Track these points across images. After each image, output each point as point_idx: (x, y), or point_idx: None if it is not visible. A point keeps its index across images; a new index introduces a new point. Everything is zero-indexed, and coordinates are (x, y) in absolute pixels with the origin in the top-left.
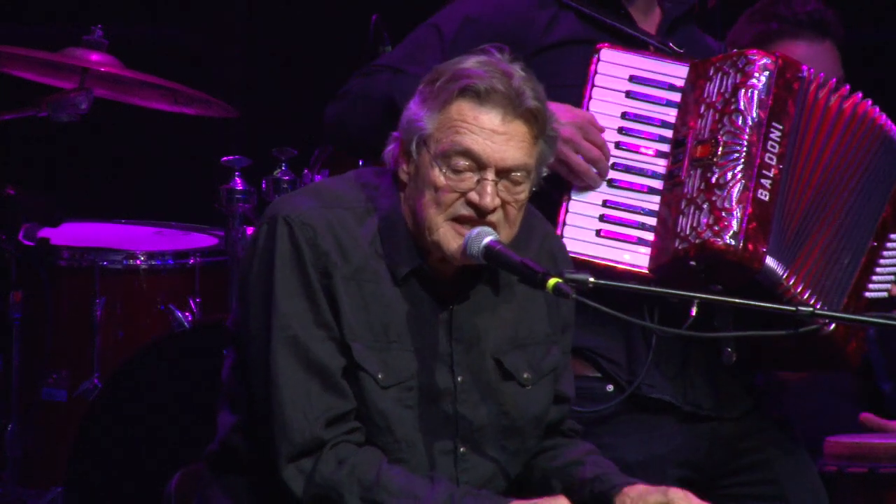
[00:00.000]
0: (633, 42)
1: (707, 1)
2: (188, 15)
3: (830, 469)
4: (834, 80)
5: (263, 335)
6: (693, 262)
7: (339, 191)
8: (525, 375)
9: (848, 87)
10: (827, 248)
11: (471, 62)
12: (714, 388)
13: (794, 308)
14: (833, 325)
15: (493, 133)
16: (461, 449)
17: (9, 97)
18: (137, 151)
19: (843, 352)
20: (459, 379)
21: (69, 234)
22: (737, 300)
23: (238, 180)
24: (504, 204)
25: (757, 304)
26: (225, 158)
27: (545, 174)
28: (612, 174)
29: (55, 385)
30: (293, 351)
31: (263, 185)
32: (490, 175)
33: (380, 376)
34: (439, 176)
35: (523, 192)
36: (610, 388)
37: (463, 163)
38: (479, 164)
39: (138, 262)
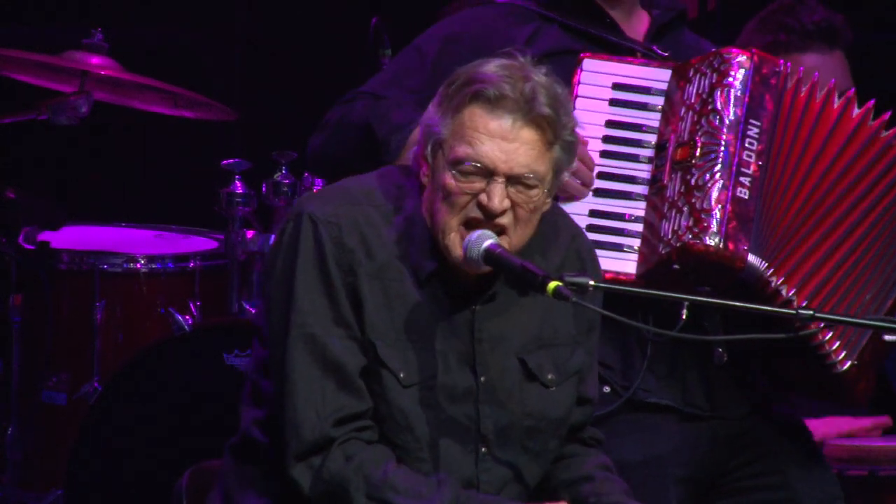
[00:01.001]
0: (618, 50)
1: (707, 4)
2: (188, 18)
3: None
4: (816, 74)
5: (282, 331)
6: (676, 266)
7: (366, 189)
8: (549, 376)
9: (852, 89)
10: (840, 270)
11: (490, 66)
12: (709, 389)
13: (794, 311)
14: (847, 365)
15: (502, 140)
16: (482, 449)
17: (9, 100)
18: (137, 155)
19: (853, 391)
20: (482, 379)
21: (69, 237)
22: (737, 304)
23: (238, 183)
24: (514, 206)
25: (757, 307)
26: (225, 162)
27: (567, 178)
28: (598, 183)
29: (55, 388)
30: (310, 348)
31: (263, 189)
32: (500, 179)
33: (402, 375)
34: (450, 179)
35: (536, 196)
36: (606, 389)
37: (472, 167)
38: (489, 171)
39: (138, 265)
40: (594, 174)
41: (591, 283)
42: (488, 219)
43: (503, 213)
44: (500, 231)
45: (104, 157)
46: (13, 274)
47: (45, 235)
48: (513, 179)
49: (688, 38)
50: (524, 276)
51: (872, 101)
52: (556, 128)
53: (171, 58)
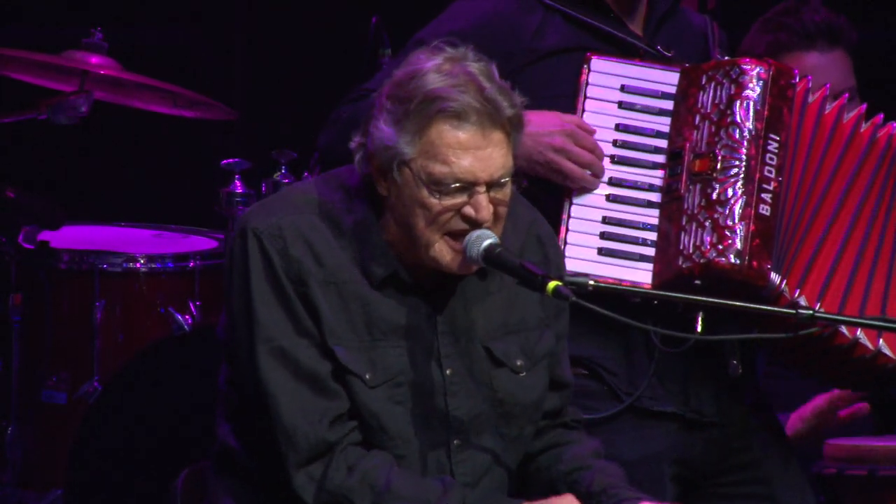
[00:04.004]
0: (622, 46)
1: (707, 3)
2: (188, 18)
3: (830, 471)
4: (828, 84)
5: (250, 349)
6: (698, 282)
7: (310, 195)
8: (518, 362)
9: (847, 95)
10: (854, 278)
11: (435, 77)
12: (717, 399)
13: (794, 311)
14: None
15: (476, 150)
16: (455, 441)
17: (8, 100)
18: (137, 154)
19: None
20: (448, 371)
21: (69, 236)
22: (737, 303)
23: (238, 183)
24: (494, 207)
25: (757, 306)
26: (224, 161)
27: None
28: (609, 189)
29: (55, 387)
30: (281, 362)
31: (263, 188)
32: (481, 189)
33: (367, 376)
34: (429, 198)
35: (509, 187)
36: (604, 387)
37: (454, 186)
38: (470, 184)
39: (138, 264)
40: (604, 163)
41: (591, 282)
42: (473, 227)
43: (489, 219)
44: None
45: (104, 156)
46: (13, 273)
47: (44, 235)
48: (491, 184)
49: (681, 22)
50: (523, 276)
51: (881, 116)
52: (516, 121)
53: (171, 57)
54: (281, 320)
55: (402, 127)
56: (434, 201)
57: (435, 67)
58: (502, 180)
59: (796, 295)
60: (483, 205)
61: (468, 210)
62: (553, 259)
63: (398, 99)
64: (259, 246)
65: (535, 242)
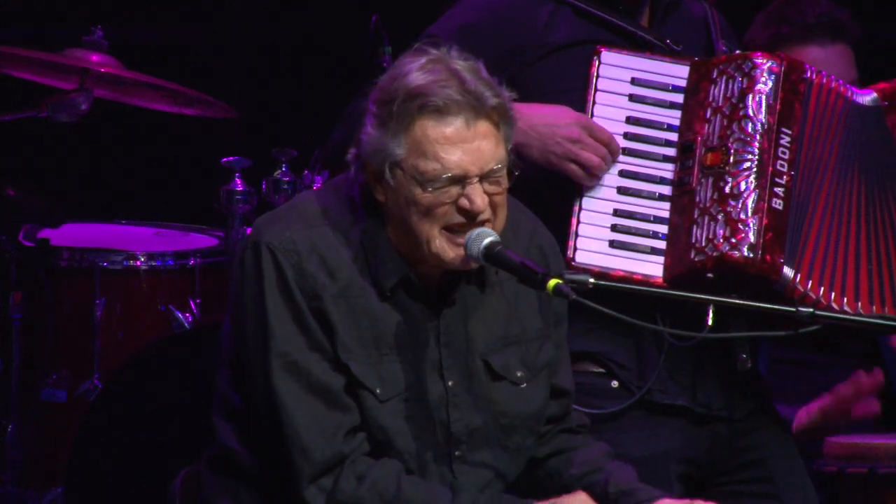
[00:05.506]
0: (632, 39)
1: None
2: (188, 16)
3: (830, 469)
4: (834, 77)
5: (262, 361)
6: (710, 275)
7: (320, 206)
8: (518, 374)
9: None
10: (863, 269)
11: (417, 75)
12: (726, 392)
13: (794, 309)
14: None
15: (462, 142)
16: (456, 453)
17: (9, 98)
18: (137, 152)
19: None
20: (450, 383)
21: (69, 234)
22: (737, 301)
23: (238, 181)
24: (490, 196)
25: (757, 304)
26: (225, 159)
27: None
28: (620, 181)
29: (55, 385)
30: (295, 376)
31: (263, 186)
32: (474, 180)
33: (378, 391)
34: (424, 195)
35: (503, 177)
36: (614, 384)
37: (446, 180)
38: (462, 178)
39: (138, 262)
40: (617, 152)
41: (591, 280)
42: (471, 219)
43: (485, 209)
44: (484, 225)
45: (104, 154)
46: (13, 271)
47: (45, 233)
48: (484, 176)
49: (683, 13)
50: (524, 274)
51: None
52: (502, 112)
53: (171, 55)
54: (294, 335)
55: (387, 128)
56: (429, 197)
57: (417, 67)
58: (495, 172)
59: (809, 288)
60: (477, 195)
61: (463, 202)
62: (555, 269)
63: (382, 102)
64: (273, 260)
65: (538, 252)
